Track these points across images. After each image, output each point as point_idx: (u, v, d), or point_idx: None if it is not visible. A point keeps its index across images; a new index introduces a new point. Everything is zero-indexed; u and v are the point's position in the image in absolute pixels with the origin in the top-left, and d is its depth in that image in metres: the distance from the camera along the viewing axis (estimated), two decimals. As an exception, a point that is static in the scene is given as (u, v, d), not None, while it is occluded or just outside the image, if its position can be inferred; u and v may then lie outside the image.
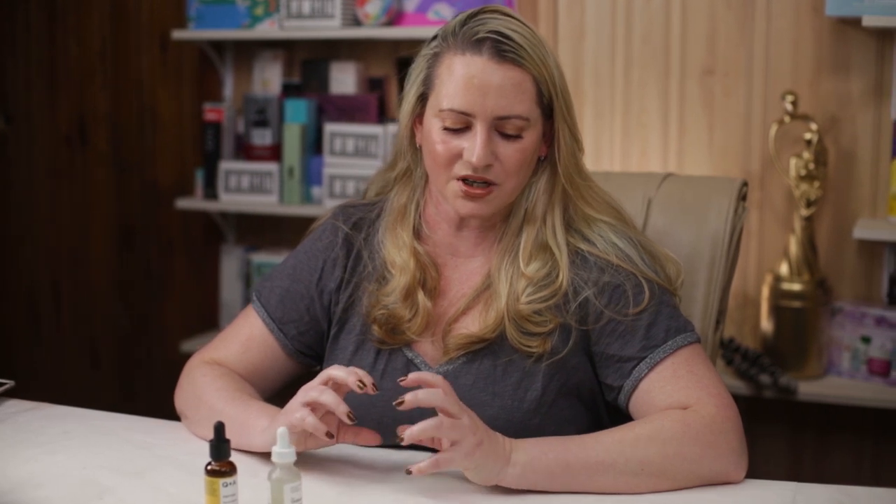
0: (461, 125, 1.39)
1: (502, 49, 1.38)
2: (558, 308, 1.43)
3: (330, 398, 1.29)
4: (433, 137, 1.41)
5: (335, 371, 1.31)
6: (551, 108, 1.43)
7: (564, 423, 1.43)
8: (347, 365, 1.48)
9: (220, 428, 1.19)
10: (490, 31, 1.38)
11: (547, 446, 1.30)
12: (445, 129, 1.40)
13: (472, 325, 1.45)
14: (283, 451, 1.17)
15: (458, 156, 1.39)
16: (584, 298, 1.43)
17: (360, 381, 1.29)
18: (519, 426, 1.40)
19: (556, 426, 1.41)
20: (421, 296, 1.46)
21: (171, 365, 3.28)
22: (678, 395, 1.37)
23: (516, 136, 1.40)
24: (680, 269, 1.51)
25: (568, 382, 1.43)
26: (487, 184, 1.40)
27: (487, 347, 1.44)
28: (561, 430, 1.39)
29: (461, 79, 1.38)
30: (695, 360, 1.40)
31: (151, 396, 3.35)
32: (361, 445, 1.37)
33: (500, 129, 1.39)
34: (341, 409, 1.28)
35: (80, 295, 3.46)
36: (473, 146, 1.37)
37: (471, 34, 1.39)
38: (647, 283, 1.43)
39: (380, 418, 1.41)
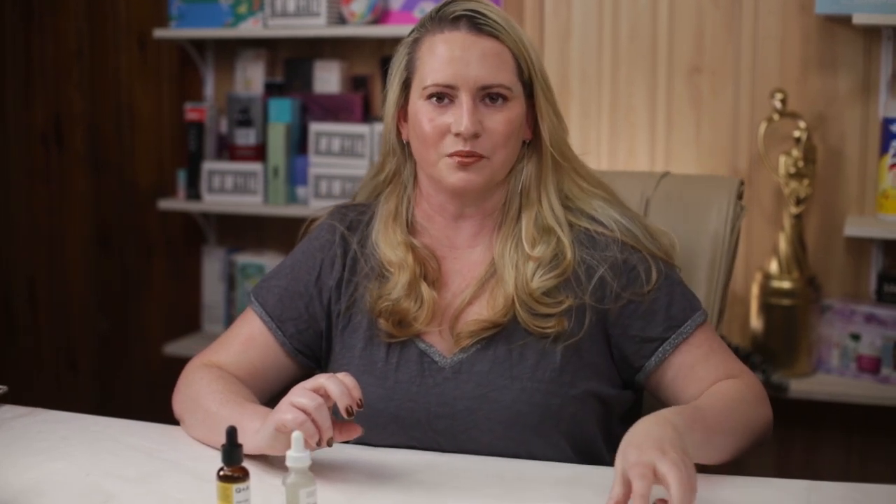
0: (446, 98, 1.42)
1: (478, 23, 1.43)
2: (571, 287, 1.44)
3: (323, 417, 1.24)
4: (420, 118, 1.44)
5: (331, 386, 1.26)
6: (531, 87, 1.46)
7: (585, 404, 1.43)
8: (358, 360, 1.48)
9: (231, 432, 1.16)
10: (465, 10, 1.44)
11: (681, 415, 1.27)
12: (431, 101, 1.42)
13: (481, 312, 1.45)
14: (299, 456, 1.14)
15: (446, 131, 1.42)
16: (599, 277, 1.45)
17: (349, 407, 1.25)
18: (541, 408, 1.40)
19: (577, 406, 1.42)
20: (424, 287, 1.46)
21: (151, 368, 3.24)
22: (721, 368, 1.44)
23: (502, 101, 1.42)
24: (673, 240, 1.55)
25: (585, 364, 1.44)
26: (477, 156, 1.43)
27: (501, 333, 1.44)
28: (582, 410, 1.42)
29: (443, 54, 1.42)
30: (713, 336, 1.48)
31: (131, 400, 3.30)
32: (345, 441, 1.33)
33: (485, 97, 1.42)
34: (326, 437, 1.24)
35: (57, 297, 3.40)
36: (460, 116, 1.40)
37: (447, 14, 1.44)
38: (654, 260, 1.47)
39: (396, 411, 1.43)
